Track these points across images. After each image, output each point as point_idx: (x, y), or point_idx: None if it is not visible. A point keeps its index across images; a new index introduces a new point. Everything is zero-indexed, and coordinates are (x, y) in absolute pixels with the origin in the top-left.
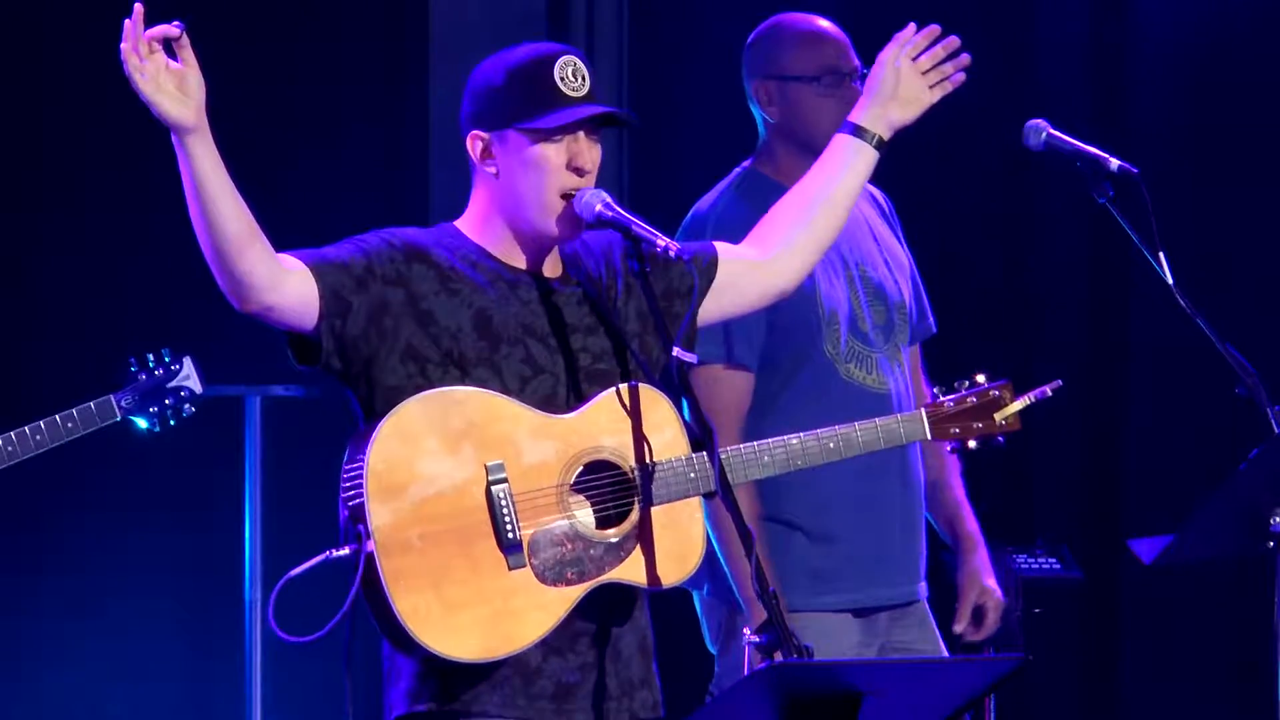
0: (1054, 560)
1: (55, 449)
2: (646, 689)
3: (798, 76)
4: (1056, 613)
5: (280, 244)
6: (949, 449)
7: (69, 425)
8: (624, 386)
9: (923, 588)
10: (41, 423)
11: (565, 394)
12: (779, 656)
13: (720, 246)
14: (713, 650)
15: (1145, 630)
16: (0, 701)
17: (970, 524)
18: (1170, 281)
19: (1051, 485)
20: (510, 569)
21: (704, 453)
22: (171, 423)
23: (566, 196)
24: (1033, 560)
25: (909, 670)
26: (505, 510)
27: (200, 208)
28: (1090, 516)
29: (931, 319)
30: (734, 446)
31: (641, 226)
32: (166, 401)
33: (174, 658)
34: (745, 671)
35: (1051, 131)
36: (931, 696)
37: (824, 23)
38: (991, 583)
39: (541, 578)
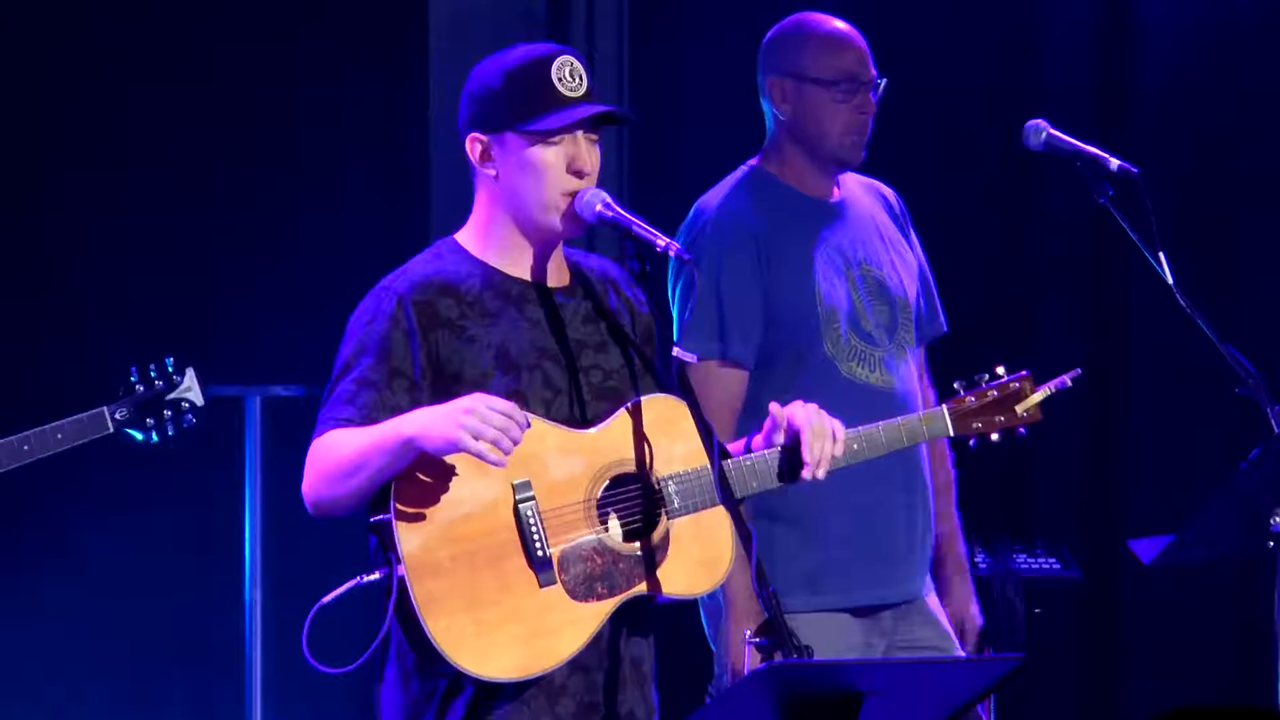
0: (1054, 560)
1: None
2: (654, 712)
3: (815, 79)
4: (1056, 613)
5: (280, 246)
6: (971, 444)
7: (58, 436)
8: (646, 399)
9: (927, 584)
10: (31, 433)
11: (580, 412)
12: (779, 656)
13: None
14: (714, 650)
15: (1145, 630)
16: (0, 699)
17: (960, 549)
18: (1170, 281)
19: (1051, 485)
20: (541, 586)
21: (726, 461)
22: (170, 434)
23: (567, 196)
24: (1033, 560)
25: (909, 670)
26: (534, 528)
27: (357, 484)
28: (1090, 516)
29: (942, 318)
30: (759, 452)
31: (642, 227)
32: (166, 413)
33: (174, 658)
34: (745, 672)
35: (1051, 131)
36: (931, 696)
37: (846, 27)
38: (975, 610)
39: (573, 594)
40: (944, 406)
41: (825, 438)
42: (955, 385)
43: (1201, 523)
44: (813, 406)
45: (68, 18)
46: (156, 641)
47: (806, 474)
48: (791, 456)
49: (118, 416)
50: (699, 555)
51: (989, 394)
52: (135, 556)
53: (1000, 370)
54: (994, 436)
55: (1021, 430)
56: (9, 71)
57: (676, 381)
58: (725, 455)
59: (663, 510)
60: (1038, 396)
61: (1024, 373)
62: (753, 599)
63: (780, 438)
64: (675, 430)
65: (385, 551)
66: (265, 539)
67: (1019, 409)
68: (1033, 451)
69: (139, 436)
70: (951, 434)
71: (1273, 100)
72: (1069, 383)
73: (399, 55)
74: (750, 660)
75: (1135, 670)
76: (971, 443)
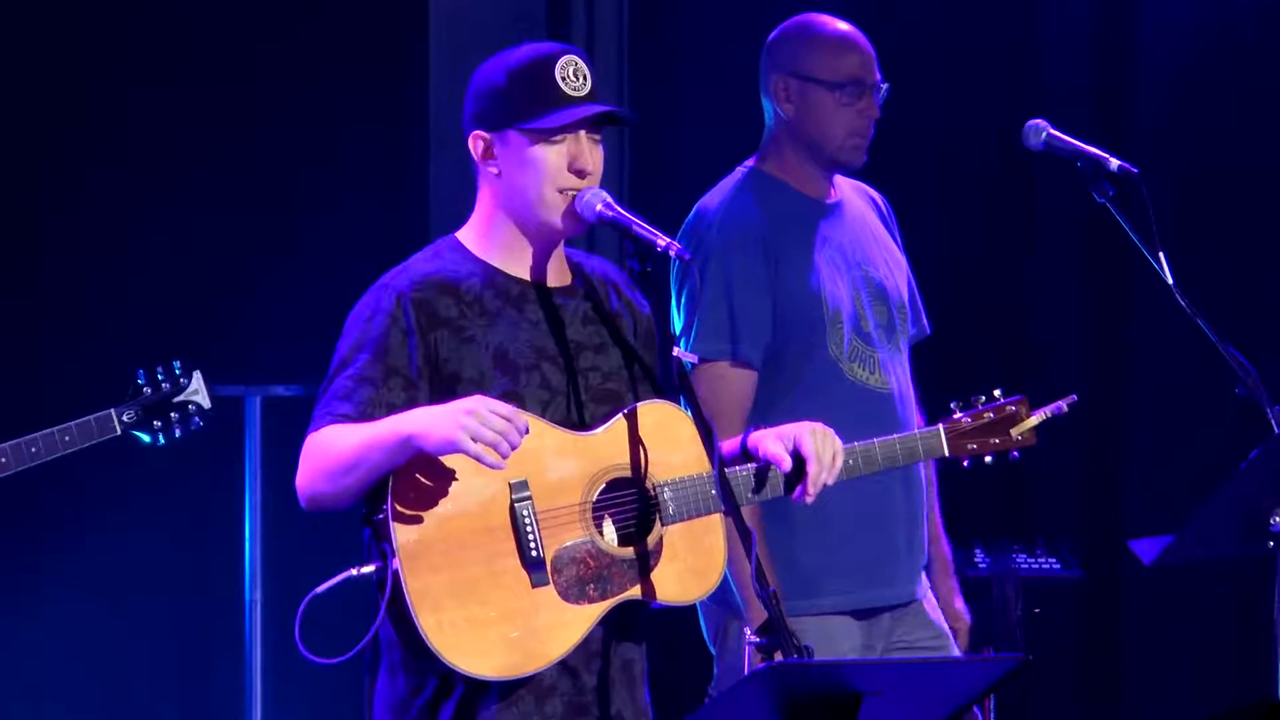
0: (1054, 560)
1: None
2: (646, 714)
3: (821, 80)
4: (1056, 613)
5: (280, 246)
6: (965, 464)
7: (66, 439)
8: (645, 404)
9: (924, 586)
10: (38, 435)
11: (578, 413)
12: (779, 657)
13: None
14: (713, 651)
15: (1145, 630)
16: (0, 700)
17: (945, 548)
18: (1170, 281)
19: (1051, 485)
20: (534, 586)
21: (727, 468)
22: (176, 435)
23: (567, 195)
24: (1033, 560)
25: (909, 670)
26: (529, 528)
27: (353, 480)
28: (1090, 516)
29: (925, 321)
30: (760, 463)
31: (643, 226)
32: (172, 415)
33: (174, 658)
34: (745, 672)
35: (1051, 131)
36: (931, 696)
37: (853, 30)
38: (962, 606)
39: (564, 595)
40: (940, 426)
41: (826, 468)
42: (952, 406)
43: (1201, 523)
44: (820, 430)
45: (68, 17)
46: (156, 641)
47: (798, 498)
48: (792, 474)
49: (125, 419)
50: (691, 563)
51: (985, 416)
52: (135, 556)
53: (997, 393)
54: (988, 458)
55: (1015, 454)
56: (9, 72)
57: (677, 383)
58: (723, 462)
59: (657, 516)
60: (1033, 421)
61: (1020, 396)
62: None
63: (787, 460)
64: (673, 437)
65: (379, 544)
66: (265, 539)
67: (1014, 432)
68: (1033, 452)
69: (146, 439)
70: (946, 454)
71: (1273, 100)
72: (1065, 408)
73: (399, 55)
74: (750, 660)
75: (1135, 670)
76: (965, 463)
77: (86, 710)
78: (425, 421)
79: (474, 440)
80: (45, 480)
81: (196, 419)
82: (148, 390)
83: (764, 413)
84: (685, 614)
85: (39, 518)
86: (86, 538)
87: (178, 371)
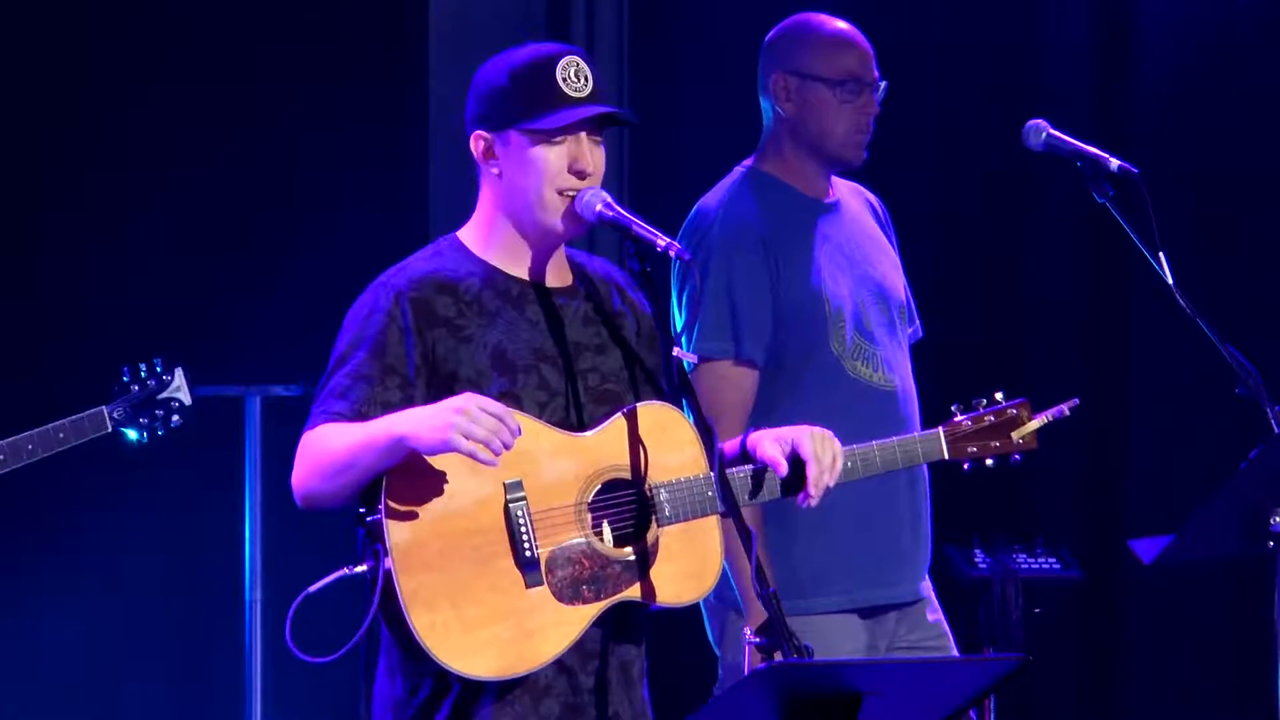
0: (1054, 560)
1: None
2: (644, 714)
3: (820, 77)
4: (1056, 613)
5: (281, 246)
6: (965, 468)
7: (61, 436)
8: (643, 405)
9: (926, 585)
10: (35, 433)
11: (577, 415)
12: (779, 656)
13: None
14: (717, 652)
15: (1145, 630)
16: (0, 700)
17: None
18: (1170, 281)
19: (1051, 485)
20: (528, 587)
21: (727, 470)
22: (160, 433)
23: (567, 195)
24: (1033, 560)
25: (909, 670)
26: (523, 528)
27: (347, 480)
28: (1090, 516)
29: (918, 323)
30: (758, 466)
31: (643, 226)
32: (157, 413)
33: (173, 658)
34: (745, 672)
35: (1051, 131)
36: (931, 696)
37: (851, 28)
38: None
39: (559, 596)
40: (940, 429)
41: (827, 470)
42: (953, 409)
43: (1201, 523)
44: (819, 433)
45: (68, 17)
46: (156, 641)
47: (801, 502)
48: (790, 477)
49: (115, 416)
50: (687, 565)
51: (986, 419)
52: (135, 556)
53: (999, 396)
54: (989, 462)
55: (1016, 457)
56: (9, 72)
57: (677, 383)
58: (723, 463)
59: (653, 518)
60: (1034, 424)
61: (1022, 399)
62: None
63: (784, 464)
64: (670, 438)
65: (373, 543)
66: (265, 538)
67: (1015, 436)
68: (1033, 452)
69: (133, 436)
70: (946, 457)
71: (1273, 100)
72: (1066, 412)
73: (399, 54)
74: (750, 660)
75: (1135, 670)
76: (966, 466)
77: (85, 710)
78: (417, 421)
79: (466, 438)
80: (44, 479)
81: (177, 417)
82: (135, 388)
83: (767, 412)
84: (687, 613)
85: (38, 517)
86: (85, 537)
87: (159, 369)
